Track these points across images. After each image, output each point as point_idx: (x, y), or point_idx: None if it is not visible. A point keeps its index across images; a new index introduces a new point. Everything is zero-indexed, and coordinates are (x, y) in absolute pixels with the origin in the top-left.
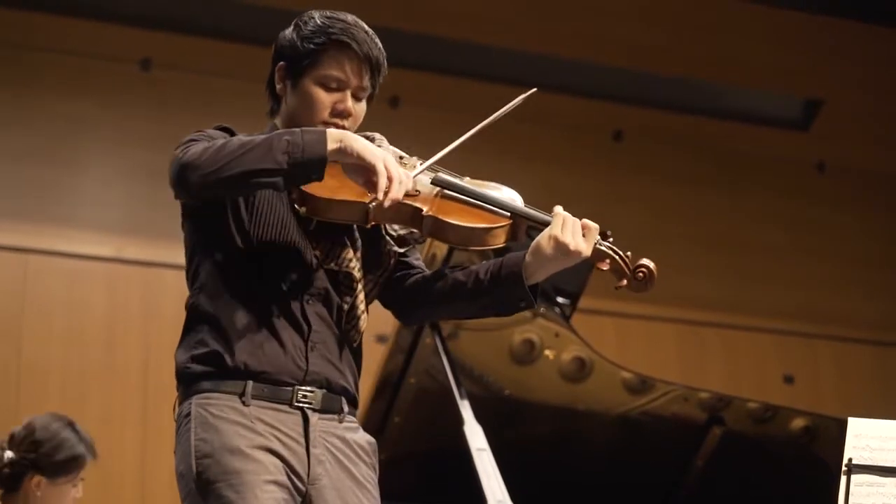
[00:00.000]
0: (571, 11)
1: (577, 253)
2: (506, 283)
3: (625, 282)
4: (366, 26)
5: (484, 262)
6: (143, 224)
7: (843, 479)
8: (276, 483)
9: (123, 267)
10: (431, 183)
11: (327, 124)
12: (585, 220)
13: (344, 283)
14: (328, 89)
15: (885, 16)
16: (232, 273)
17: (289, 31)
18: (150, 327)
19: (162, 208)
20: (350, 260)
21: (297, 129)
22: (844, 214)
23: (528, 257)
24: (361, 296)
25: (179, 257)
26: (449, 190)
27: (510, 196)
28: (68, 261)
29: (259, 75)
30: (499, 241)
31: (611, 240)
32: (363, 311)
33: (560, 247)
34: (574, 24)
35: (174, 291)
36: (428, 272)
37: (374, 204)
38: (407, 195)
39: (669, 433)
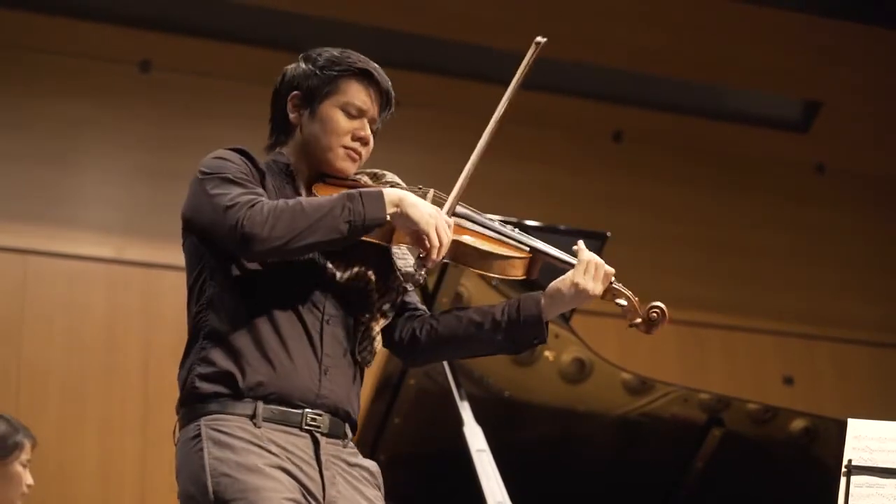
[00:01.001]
0: (571, 13)
1: (594, 296)
2: (525, 324)
3: (639, 320)
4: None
5: (495, 304)
6: (143, 225)
7: (843, 480)
8: (295, 501)
9: (123, 268)
10: (455, 214)
11: (347, 149)
12: (601, 262)
13: (359, 302)
14: (349, 116)
15: (884, 18)
16: (244, 290)
17: (300, 65)
18: (150, 328)
19: (162, 209)
20: (368, 280)
21: (356, 193)
22: (844, 216)
23: (545, 300)
24: (378, 315)
25: (180, 258)
26: (470, 220)
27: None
28: (68, 262)
29: (259, 77)
30: (517, 272)
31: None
32: (378, 333)
33: (581, 293)
34: (574, 25)
35: (175, 293)
36: (435, 312)
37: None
38: None
39: (669, 434)
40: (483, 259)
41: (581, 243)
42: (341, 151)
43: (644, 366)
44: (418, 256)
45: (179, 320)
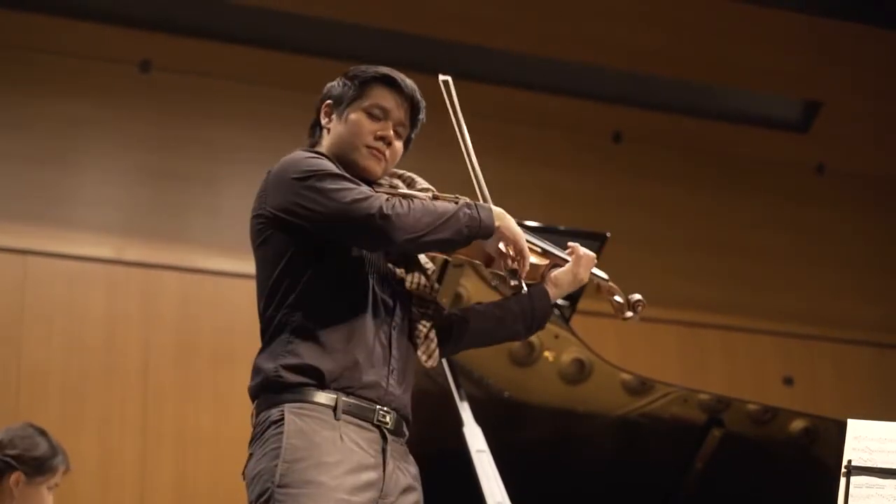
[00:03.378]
0: (571, 13)
1: (582, 280)
2: (539, 313)
3: (629, 314)
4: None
5: (507, 298)
6: (142, 225)
7: (843, 480)
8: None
9: (123, 268)
10: None
11: (370, 148)
12: (588, 253)
13: (419, 306)
14: (372, 117)
15: (883, 18)
16: (327, 291)
17: (338, 79)
18: (149, 329)
19: (162, 209)
20: (426, 286)
21: (473, 204)
22: (844, 216)
23: (550, 289)
24: (433, 318)
25: (179, 259)
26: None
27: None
28: (68, 262)
29: (258, 77)
30: (540, 276)
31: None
32: (435, 336)
33: (577, 281)
34: (573, 26)
35: (174, 293)
36: (456, 309)
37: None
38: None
39: (669, 435)
40: (534, 271)
41: (576, 244)
42: (365, 150)
43: (644, 366)
44: (511, 270)
45: (178, 320)
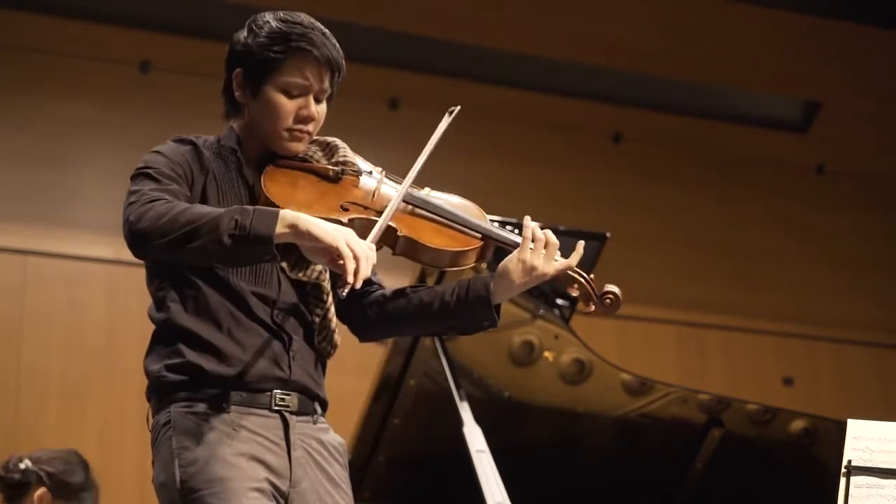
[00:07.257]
0: (571, 14)
1: (544, 275)
2: (473, 306)
3: (592, 307)
4: (322, 27)
5: (448, 284)
6: None
7: (843, 480)
8: (259, 490)
9: (123, 268)
10: (403, 200)
11: (291, 131)
12: (547, 233)
13: (312, 294)
14: (290, 96)
15: (883, 18)
16: (202, 288)
17: (243, 35)
18: (149, 329)
19: None
20: (319, 272)
21: (250, 208)
22: (843, 216)
23: (494, 281)
24: (332, 309)
25: None
26: (421, 208)
27: (477, 212)
28: (68, 262)
29: None
30: (469, 262)
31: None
32: (336, 325)
33: (529, 270)
34: (573, 26)
35: None
36: (387, 290)
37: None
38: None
39: (669, 435)
40: (437, 256)
41: (527, 219)
42: (286, 134)
43: (643, 366)
44: (341, 289)
45: None
